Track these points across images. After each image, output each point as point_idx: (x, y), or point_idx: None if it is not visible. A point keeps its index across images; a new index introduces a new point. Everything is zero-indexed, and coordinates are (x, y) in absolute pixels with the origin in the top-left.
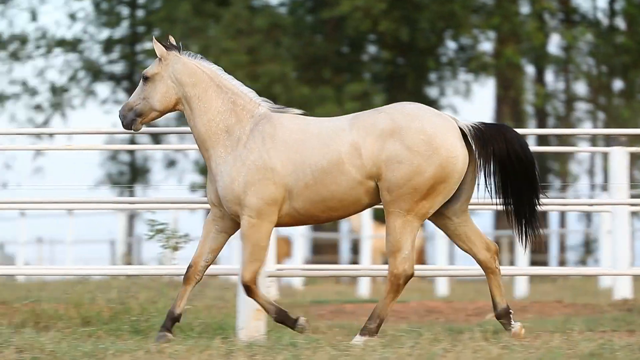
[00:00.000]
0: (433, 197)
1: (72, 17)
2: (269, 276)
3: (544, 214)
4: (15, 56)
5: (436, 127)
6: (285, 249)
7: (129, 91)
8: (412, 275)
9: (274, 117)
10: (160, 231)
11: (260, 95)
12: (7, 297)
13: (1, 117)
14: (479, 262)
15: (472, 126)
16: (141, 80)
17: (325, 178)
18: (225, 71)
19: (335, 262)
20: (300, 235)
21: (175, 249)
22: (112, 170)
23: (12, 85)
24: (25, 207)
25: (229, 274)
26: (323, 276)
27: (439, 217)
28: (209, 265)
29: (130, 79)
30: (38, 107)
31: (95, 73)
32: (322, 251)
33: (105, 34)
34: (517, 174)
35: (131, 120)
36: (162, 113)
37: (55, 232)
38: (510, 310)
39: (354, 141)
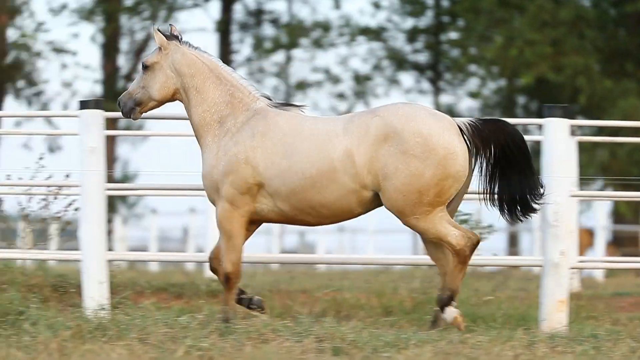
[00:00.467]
0: (443, 193)
1: (376, 5)
2: (572, 268)
3: None
4: (318, 44)
5: (431, 128)
6: (587, 240)
7: (433, 81)
8: (477, 241)
9: (270, 114)
10: (464, 222)
11: (564, 87)
12: (308, 286)
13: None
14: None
15: (468, 123)
16: (141, 69)
17: (315, 186)
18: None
19: (637, 255)
20: (602, 228)
21: (479, 240)
22: None
23: (315, 72)
24: None
25: (531, 265)
26: (624, 269)
27: None
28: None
29: (434, 69)
30: (341, 95)
31: (399, 62)
32: (623, 244)
33: (409, 23)
34: (519, 168)
35: (130, 108)
36: (161, 103)
37: (356, 221)
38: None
39: (347, 148)
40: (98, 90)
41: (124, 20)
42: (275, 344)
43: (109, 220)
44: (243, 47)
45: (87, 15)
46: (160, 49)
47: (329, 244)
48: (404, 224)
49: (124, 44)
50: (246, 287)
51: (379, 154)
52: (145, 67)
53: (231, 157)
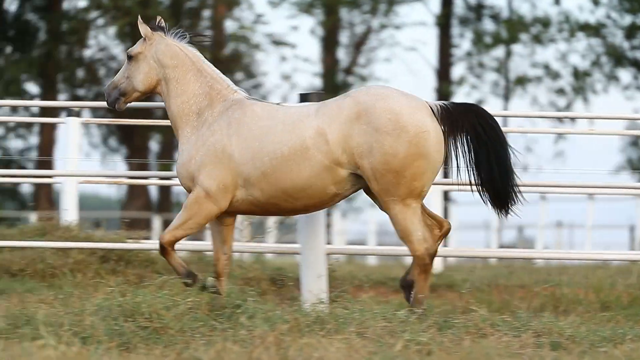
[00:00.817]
0: (419, 175)
1: (595, 2)
2: None
3: None
4: (537, 39)
5: (402, 105)
6: None
7: None
8: (436, 251)
9: (246, 103)
10: None
11: None
12: (526, 280)
13: (523, 99)
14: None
15: (440, 105)
16: (126, 59)
17: (286, 165)
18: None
19: None
20: None
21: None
22: (633, 156)
23: (534, 68)
24: (546, 190)
25: None
26: None
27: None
28: (230, 257)
29: None
30: (560, 91)
31: (618, 59)
32: None
33: (628, 20)
34: (490, 151)
35: (115, 99)
36: (144, 93)
37: (575, 217)
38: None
39: (319, 126)
40: (317, 83)
41: (344, 13)
42: (493, 339)
43: (328, 214)
44: (463, 42)
45: (306, 8)
46: (145, 39)
47: (547, 239)
48: (381, 208)
49: (344, 37)
50: (465, 281)
51: (353, 132)
52: (130, 58)
53: (209, 147)
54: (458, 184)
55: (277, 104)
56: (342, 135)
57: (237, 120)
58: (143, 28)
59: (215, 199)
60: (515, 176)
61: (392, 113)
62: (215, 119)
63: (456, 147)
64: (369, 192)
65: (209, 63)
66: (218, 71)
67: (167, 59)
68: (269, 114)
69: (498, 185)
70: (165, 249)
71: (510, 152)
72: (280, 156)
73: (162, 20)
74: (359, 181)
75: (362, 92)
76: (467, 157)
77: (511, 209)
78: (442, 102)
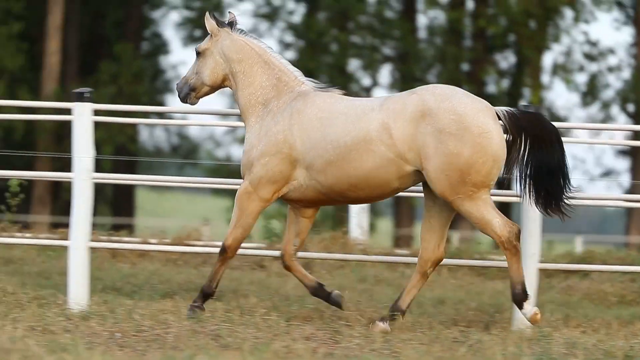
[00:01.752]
0: (486, 172)
1: None
2: None
3: None
4: None
5: (466, 106)
6: None
7: None
8: (519, 230)
9: (310, 95)
10: None
11: None
12: None
13: None
14: (421, 257)
15: (506, 111)
16: (195, 55)
17: (349, 154)
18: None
19: None
20: None
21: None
22: None
23: None
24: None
25: None
26: None
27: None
28: (299, 249)
29: None
30: None
31: None
32: None
33: None
34: (551, 163)
35: (186, 94)
36: (213, 88)
37: None
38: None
39: (384, 121)
40: None
41: None
42: None
43: None
44: None
45: None
46: (211, 35)
47: None
48: (430, 213)
49: None
50: None
51: (418, 131)
52: (198, 54)
53: (271, 137)
54: (517, 196)
55: (345, 93)
56: (408, 133)
57: (299, 111)
58: (209, 24)
59: (262, 192)
60: (569, 187)
61: (456, 114)
62: (279, 110)
63: (518, 153)
64: (426, 188)
65: (278, 55)
66: (287, 62)
67: (232, 53)
68: (331, 105)
69: (553, 194)
70: (225, 251)
71: (568, 164)
72: (343, 145)
73: (234, 16)
74: (421, 177)
75: (428, 91)
76: (527, 165)
77: (564, 210)
78: (509, 108)
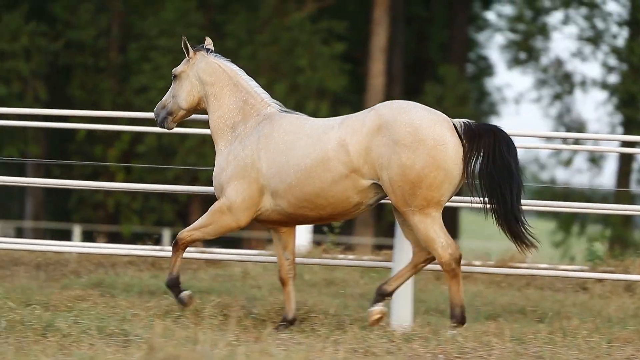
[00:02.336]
0: (437, 186)
1: None
2: None
3: None
4: None
5: (422, 119)
6: None
7: None
8: (461, 255)
9: (276, 117)
10: None
11: None
12: None
13: None
14: (413, 257)
15: (463, 122)
16: (173, 79)
17: (309, 176)
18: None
19: None
20: None
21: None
22: None
23: None
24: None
25: None
26: None
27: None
28: (293, 261)
29: None
30: None
31: None
32: None
33: None
34: (503, 173)
35: (163, 118)
36: (189, 111)
37: None
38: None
39: (341, 138)
40: None
41: None
42: None
43: None
44: None
45: None
46: (188, 59)
47: None
48: (400, 220)
49: None
50: None
51: (373, 144)
52: (175, 77)
53: (239, 161)
54: (471, 203)
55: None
56: (364, 147)
57: (266, 135)
58: (186, 48)
59: (235, 214)
60: (520, 203)
61: (412, 126)
62: (247, 134)
63: (473, 165)
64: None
65: (247, 78)
66: (255, 85)
67: (206, 75)
68: (296, 127)
69: (508, 208)
70: (177, 245)
71: (523, 177)
72: (304, 168)
73: (210, 40)
74: (382, 190)
75: (386, 106)
76: (482, 176)
77: (525, 236)
78: (466, 120)
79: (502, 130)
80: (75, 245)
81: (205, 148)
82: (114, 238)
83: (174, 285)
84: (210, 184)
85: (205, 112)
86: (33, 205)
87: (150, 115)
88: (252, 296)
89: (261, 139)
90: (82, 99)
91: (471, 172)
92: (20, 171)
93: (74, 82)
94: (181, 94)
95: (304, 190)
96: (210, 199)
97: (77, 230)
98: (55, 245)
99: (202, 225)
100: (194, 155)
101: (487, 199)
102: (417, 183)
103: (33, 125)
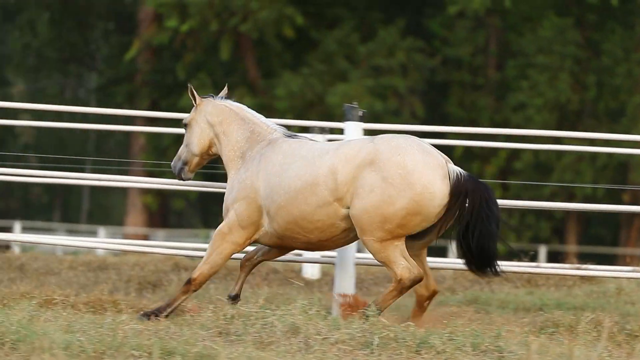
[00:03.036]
0: (407, 227)
1: None
2: None
3: None
4: None
5: (417, 163)
6: None
7: None
8: (418, 278)
9: (279, 141)
10: None
11: None
12: None
13: None
14: (417, 294)
15: (458, 172)
16: (184, 130)
17: (297, 198)
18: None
19: None
20: None
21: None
22: None
23: None
24: None
25: None
26: None
27: None
28: (259, 262)
29: None
30: None
31: None
32: None
33: None
34: (484, 237)
35: (180, 169)
36: (202, 157)
37: None
38: None
39: (333, 165)
40: None
41: None
42: None
43: None
44: None
45: None
46: (195, 107)
47: None
48: (360, 239)
49: None
50: None
51: (360, 175)
52: (185, 126)
53: (241, 183)
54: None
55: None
56: (351, 176)
57: (266, 157)
58: (193, 96)
59: (234, 234)
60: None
61: (404, 169)
62: (251, 158)
63: (453, 216)
64: None
65: (252, 112)
66: (260, 116)
67: (214, 117)
68: (294, 150)
69: (484, 263)
70: (190, 285)
71: (498, 234)
72: (293, 189)
73: (227, 89)
74: None
75: (384, 142)
76: (462, 233)
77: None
78: (459, 170)
79: (489, 188)
80: (452, 262)
81: (581, 165)
82: None
83: (157, 314)
84: (587, 201)
85: (220, 159)
86: None
87: (527, 132)
88: (625, 312)
89: (262, 160)
90: (459, 116)
91: (448, 222)
92: None
93: (451, 99)
94: (192, 140)
95: (291, 212)
96: (585, 215)
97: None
98: (430, 262)
99: (206, 257)
100: (570, 172)
101: (462, 246)
102: (389, 220)
103: None
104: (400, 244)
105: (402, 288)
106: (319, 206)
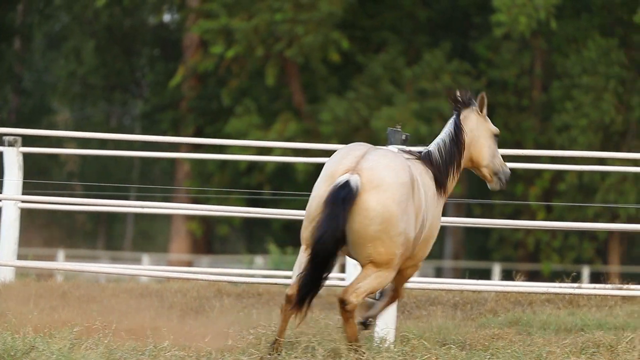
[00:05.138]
0: (303, 228)
1: None
2: None
3: None
4: None
5: (327, 166)
6: None
7: None
8: (294, 295)
9: None
10: None
11: None
12: None
13: None
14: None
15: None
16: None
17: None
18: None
19: None
20: None
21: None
22: None
23: None
24: None
25: None
26: None
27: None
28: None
29: None
30: None
31: None
32: None
33: None
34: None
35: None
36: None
37: None
38: None
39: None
40: None
41: None
42: None
43: None
44: None
45: None
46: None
47: None
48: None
49: None
50: None
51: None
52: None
53: None
54: None
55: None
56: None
57: None
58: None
59: None
60: None
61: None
62: None
63: None
64: None
65: None
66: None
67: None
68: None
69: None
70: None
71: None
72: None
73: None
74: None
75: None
76: None
77: None
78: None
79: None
80: (493, 284)
81: (625, 185)
82: (533, 276)
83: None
84: (630, 221)
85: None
86: (453, 245)
87: (570, 153)
88: None
89: None
90: (504, 138)
91: None
92: None
93: (496, 121)
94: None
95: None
96: (628, 236)
97: (496, 268)
98: (472, 285)
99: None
100: (614, 193)
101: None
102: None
103: None
104: (305, 253)
105: (285, 306)
106: None
